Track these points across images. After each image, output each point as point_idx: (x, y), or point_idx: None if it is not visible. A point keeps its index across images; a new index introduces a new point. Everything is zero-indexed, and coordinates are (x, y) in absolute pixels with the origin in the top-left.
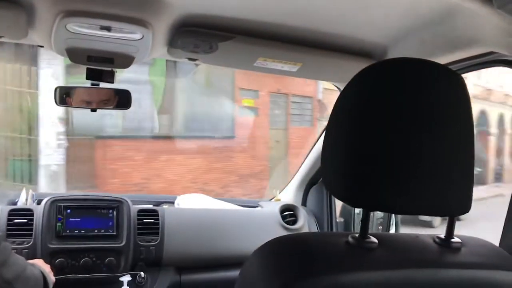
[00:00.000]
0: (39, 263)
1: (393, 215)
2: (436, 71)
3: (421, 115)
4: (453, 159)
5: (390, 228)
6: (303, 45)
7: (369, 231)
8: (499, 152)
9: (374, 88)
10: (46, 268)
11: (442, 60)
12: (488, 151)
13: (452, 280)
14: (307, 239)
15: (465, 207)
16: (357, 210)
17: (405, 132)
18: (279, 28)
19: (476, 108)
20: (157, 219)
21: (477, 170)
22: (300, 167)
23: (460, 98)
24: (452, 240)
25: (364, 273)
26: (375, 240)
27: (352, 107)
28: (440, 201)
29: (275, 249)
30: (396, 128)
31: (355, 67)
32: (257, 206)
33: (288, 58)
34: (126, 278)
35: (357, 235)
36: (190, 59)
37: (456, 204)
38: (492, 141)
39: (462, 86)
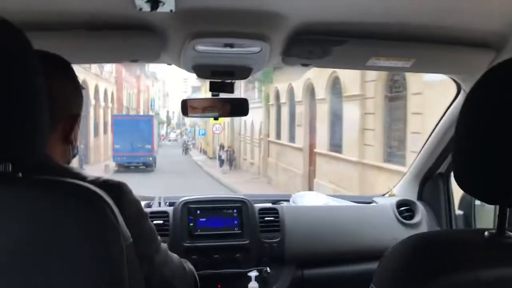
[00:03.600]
0: None
1: None
2: None
3: None
4: None
5: None
6: (415, 40)
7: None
8: None
9: (509, 85)
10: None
11: None
12: None
13: None
14: (444, 236)
15: None
16: (477, 202)
17: None
18: (390, 27)
19: None
20: (277, 217)
21: None
22: (414, 161)
23: None
24: None
25: (505, 269)
26: None
27: (487, 103)
28: None
29: (414, 246)
30: None
31: (471, 58)
32: (371, 202)
33: (401, 55)
34: (253, 273)
35: (494, 231)
36: (303, 64)
37: None
38: None
39: None
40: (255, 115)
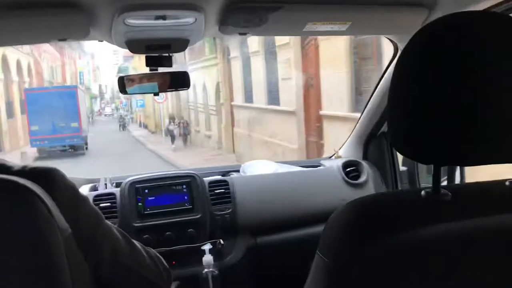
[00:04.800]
0: None
1: (457, 167)
2: (498, 22)
3: (487, 66)
4: None
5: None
6: (350, 3)
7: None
8: None
9: (439, 43)
10: None
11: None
12: None
13: None
14: (382, 199)
15: None
16: None
17: (472, 84)
18: None
19: None
20: (228, 189)
21: None
22: (357, 122)
23: None
24: None
25: (442, 225)
26: (448, 192)
27: (418, 62)
28: (509, 148)
29: (354, 212)
30: (463, 81)
31: (405, 18)
32: (319, 165)
33: (337, 18)
34: (207, 247)
35: (429, 189)
36: (241, 33)
37: None
38: None
39: None
40: (208, 76)
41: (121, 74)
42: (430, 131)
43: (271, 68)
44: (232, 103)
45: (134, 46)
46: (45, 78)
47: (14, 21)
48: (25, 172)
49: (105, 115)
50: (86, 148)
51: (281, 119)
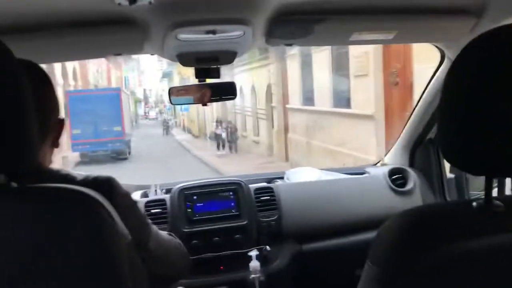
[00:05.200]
0: None
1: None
2: None
3: None
4: None
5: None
6: (395, 12)
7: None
8: None
9: (495, 55)
10: None
11: None
12: None
13: None
14: (434, 209)
15: None
16: None
17: None
18: (369, 1)
19: None
20: (273, 195)
21: None
22: (403, 128)
23: None
24: None
25: (494, 236)
26: (500, 203)
27: (472, 73)
28: None
29: (406, 222)
30: None
31: (452, 25)
32: (364, 173)
33: (383, 27)
34: (254, 253)
35: (481, 201)
36: (287, 44)
37: None
38: None
39: None
40: (257, 78)
41: (165, 79)
42: (483, 142)
43: (340, 64)
44: (287, 105)
45: (184, 59)
46: (90, 82)
47: (73, 38)
48: (88, 182)
49: (149, 119)
50: (129, 153)
51: (352, 124)
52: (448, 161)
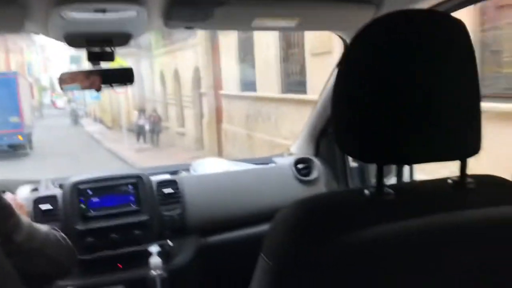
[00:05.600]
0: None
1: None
2: (440, 20)
3: (427, 65)
4: (461, 104)
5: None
6: None
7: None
8: None
9: (383, 41)
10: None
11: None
12: None
13: (470, 221)
14: (325, 199)
15: (476, 148)
16: None
17: (412, 83)
18: None
19: None
20: (177, 188)
21: None
22: (308, 118)
23: (462, 43)
24: (467, 181)
25: (383, 225)
26: (391, 191)
27: (361, 60)
28: (452, 146)
29: (297, 213)
30: (404, 80)
31: (353, 14)
32: (271, 163)
33: (285, 14)
34: (154, 249)
35: (373, 189)
36: (187, 27)
37: (467, 146)
38: None
39: (464, 32)
40: (181, 61)
41: (74, 64)
42: (372, 129)
43: (291, 40)
44: (221, 92)
45: (73, 40)
46: None
47: None
48: None
49: (57, 108)
50: (31, 147)
51: (307, 113)
52: (340, 149)
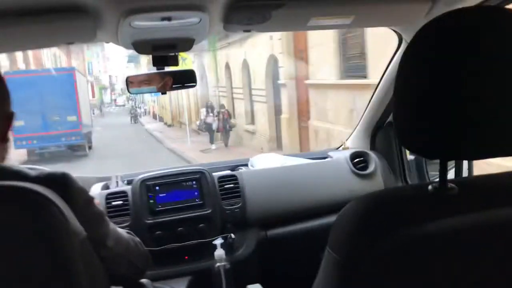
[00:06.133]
0: None
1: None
2: (495, 15)
3: (491, 62)
4: None
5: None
6: None
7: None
8: None
9: (447, 38)
10: None
11: None
12: None
13: None
14: (391, 194)
15: None
16: None
17: (474, 79)
18: None
19: None
20: (237, 183)
21: None
22: (364, 112)
23: None
24: None
25: (448, 219)
26: (455, 186)
27: (425, 56)
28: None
29: (363, 207)
30: (466, 76)
31: (408, 9)
32: (326, 157)
33: (340, 12)
34: (218, 241)
35: (436, 184)
36: (245, 30)
37: None
38: None
39: None
40: (251, 49)
41: (131, 63)
42: (435, 125)
43: None
44: (307, 81)
45: (140, 47)
46: (46, 67)
47: (22, 27)
48: (41, 178)
49: (117, 105)
50: (90, 147)
51: None
52: (403, 145)
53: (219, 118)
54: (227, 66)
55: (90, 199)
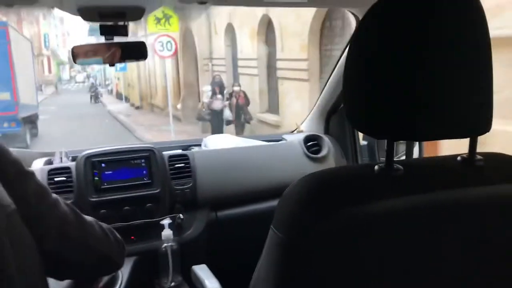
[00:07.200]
0: None
1: (417, 143)
2: None
3: (440, 42)
4: (473, 82)
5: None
6: None
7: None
8: None
9: (395, 17)
10: None
11: None
12: None
13: (477, 198)
14: (336, 173)
15: (486, 126)
16: None
17: (425, 60)
18: None
19: None
20: (188, 163)
21: None
22: (319, 96)
23: (477, 20)
24: (476, 158)
25: (391, 200)
26: (400, 167)
27: (371, 37)
28: (462, 123)
29: (307, 186)
30: (416, 56)
31: None
32: (281, 140)
33: None
34: (166, 221)
35: (382, 165)
36: (200, 2)
37: (478, 124)
38: None
39: (477, 8)
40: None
41: (93, 36)
42: (384, 105)
43: None
44: None
45: (86, 13)
46: None
47: None
48: None
49: (76, 82)
50: (35, 134)
51: None
52: (352, 125)
53: (231, 103)
54: (229, 29)
55: (26, 172)
